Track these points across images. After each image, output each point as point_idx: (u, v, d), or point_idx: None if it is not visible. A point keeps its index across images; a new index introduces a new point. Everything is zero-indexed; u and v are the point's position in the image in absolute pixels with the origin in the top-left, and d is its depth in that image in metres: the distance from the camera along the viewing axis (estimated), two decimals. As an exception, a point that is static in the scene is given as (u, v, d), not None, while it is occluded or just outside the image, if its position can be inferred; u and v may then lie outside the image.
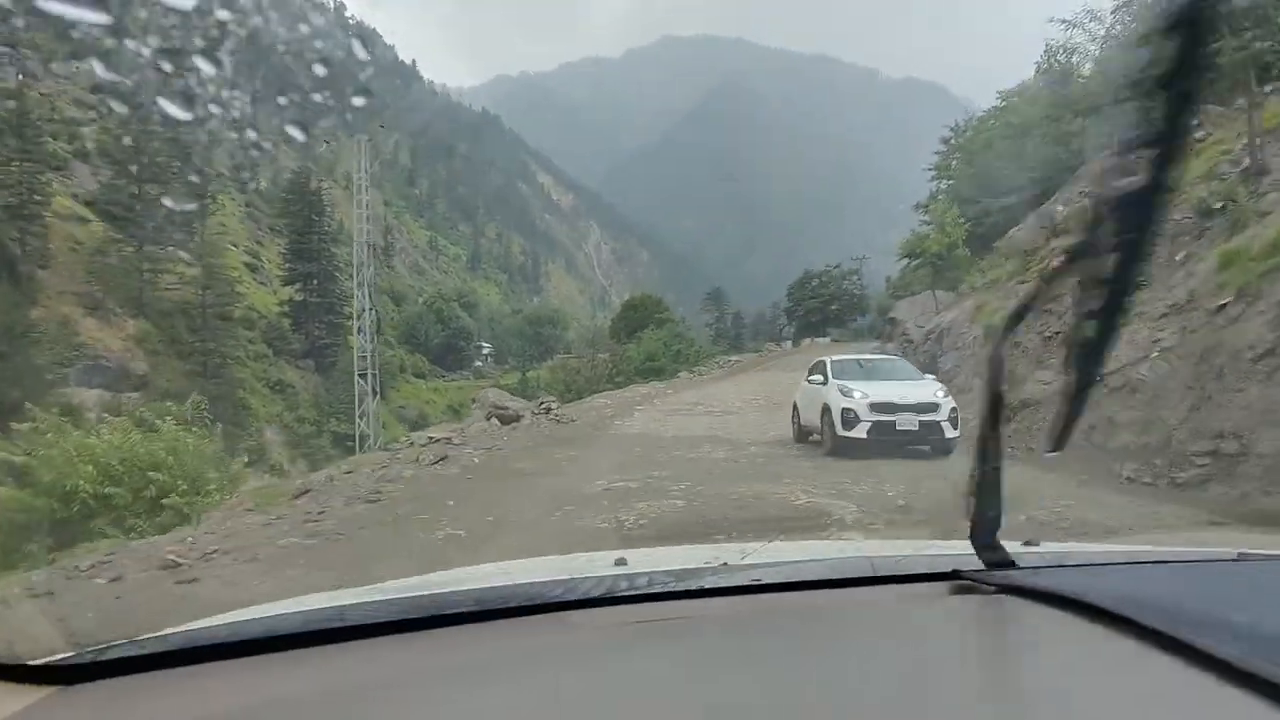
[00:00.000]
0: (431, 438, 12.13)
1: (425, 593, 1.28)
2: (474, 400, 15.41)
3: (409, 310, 74.56)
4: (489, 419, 13.37)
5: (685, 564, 1.49)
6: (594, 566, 1.52)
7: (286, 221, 56.23)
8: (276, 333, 49.65)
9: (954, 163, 28.86)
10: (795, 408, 11.79)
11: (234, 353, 43.97)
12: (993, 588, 1.19)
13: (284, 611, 1.20)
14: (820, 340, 39.53)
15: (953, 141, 31.45)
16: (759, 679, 0.92)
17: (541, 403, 14.75)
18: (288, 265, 54.13)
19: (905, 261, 33.22)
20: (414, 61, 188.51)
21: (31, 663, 0.97)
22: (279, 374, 47.41)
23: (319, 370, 50.57)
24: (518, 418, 13.67)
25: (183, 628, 1.12)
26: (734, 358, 30.51)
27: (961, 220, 16.76)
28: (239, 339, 45.71)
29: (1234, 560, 1.44)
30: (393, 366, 59.65)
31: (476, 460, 10.17)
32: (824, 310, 44.15)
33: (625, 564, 1.46)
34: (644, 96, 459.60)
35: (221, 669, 1.00)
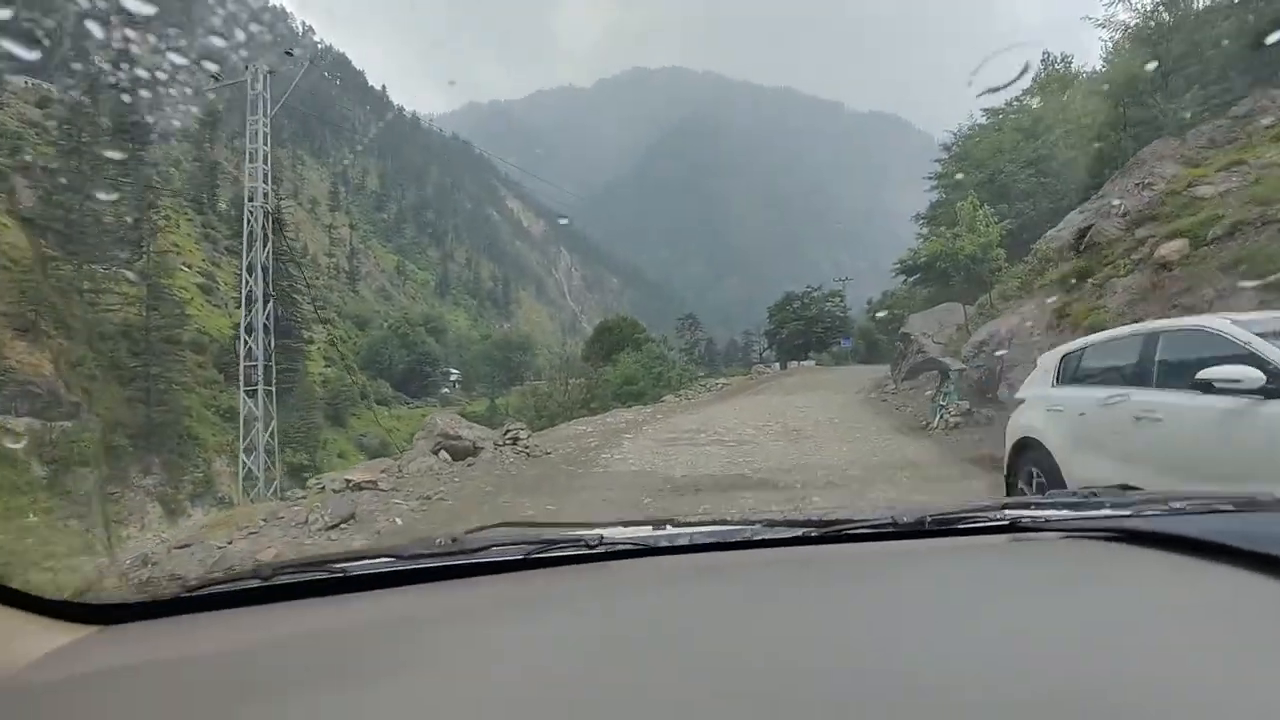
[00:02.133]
0: (349, 481, 8.82)
1: (471, 544, 1.24)
2: (420, 429, 12.74)
3: (373, 335, 71.82)
4: (436, 452, 10.59)
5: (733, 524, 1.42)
6: (644, 526, 1.43)
7: (234, 235, 53.44)
8: (230, 357, 46.74)
9: (957, 171, 27.58)
10: (1036, 448, 5.08)
11: (180, 378, 41.10)
12: (1054, 533, 1.24)
13: (347, 555, 1.19)
14: (806, 363, 38.03)
15: (955, 149, 30.30)
16: (799, 625, 0.91)
17: (507, 431, 11.82)
18: (240, 287, 51.36)
19: (902, 278, 31.89)
20: (384, 87, 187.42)
21: (81, 603, 1.04)
22: (231, 401, 44.46)
23: (274, 397, 47.70)
24: (475, 450, 11.22)
25: (222, 574, 1.14)
26: (721, 380, 28.47)
27: (995, 219, 15.17)
28: (187, 363, 42.87)
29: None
30: (353, 393, 56.92)
31: (400, 520, 7.16)
32: (806, 333, 42.59)
33: (674, 523, 1.41)
34: (615, 126, 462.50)
35: (256, 612, 1.04)
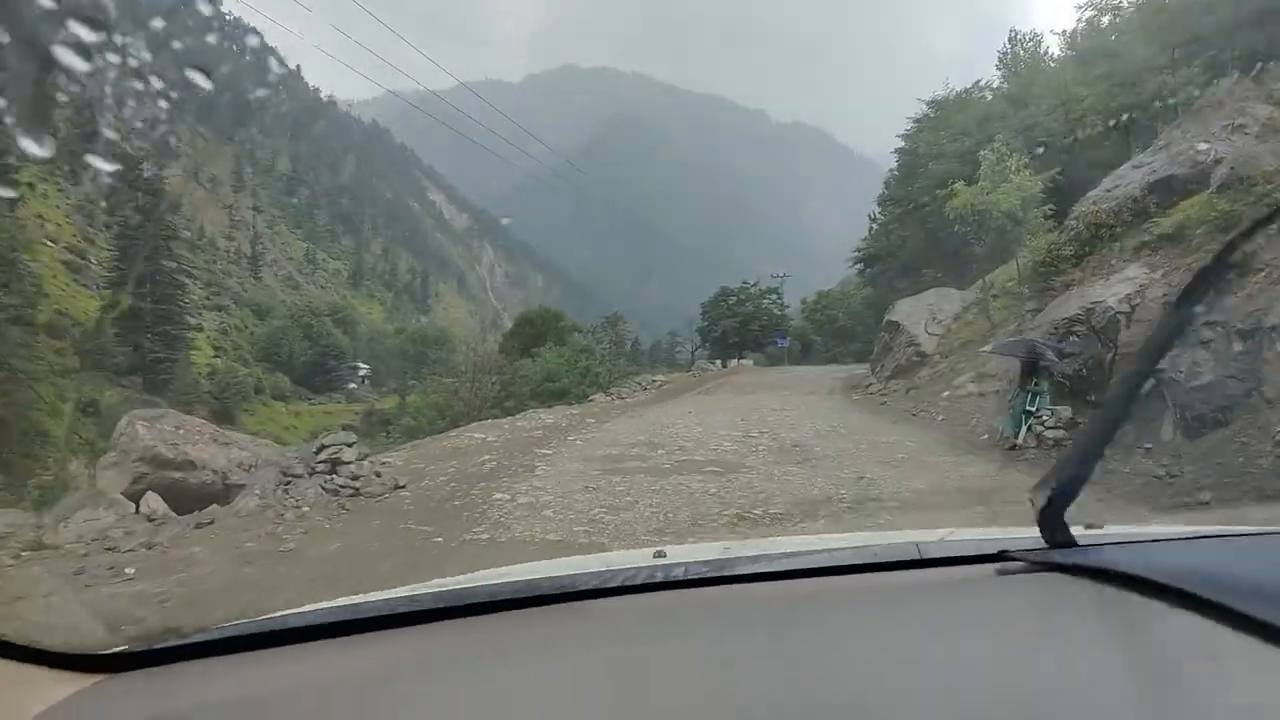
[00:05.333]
0: None
1: (466, 585, 1.28)
2: (113, 443, 8.41)
3: (273, 325, 66.12)
4: (136, 498, 6.58)
5: (725, 555, 1.42)
6: (633, 559, 1.49)
7: (117, 216, 47.65)
8: (94, 344, 41.19)
9: (935, 139, 25.11)
10: None
11: (29, 366, 35.48)
12: (1041, 566, 1.20)
13: (330, 605, 1.22)
14: (745, 362, 35.72)
15: (930, 118, 28.15)
16: (790, 661, 0.93)
17: (321, 448, 7.20)
18: (115, 265, 45.65)
19: (859, 267, 29.79)
20: (298, 67, 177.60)
21: (83, 653, 1.04)
22: (93, 393, 39.03)
23: (148, 389, 42.32)
24: (227, 491, 6.97)
25: (225, 624, 1.14)
26: (659, 378, 25.47)
27: (1027, 168, 12.42)
28: (39, 350, 37.22)
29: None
30: (246, 387, 51.69)
31: None
32: (742, 330, 40.29)
33: (665, 556, 1.42)
34: (543, 123, 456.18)
35: (260, 658, 1.06)
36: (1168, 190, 9.88)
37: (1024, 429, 8.85)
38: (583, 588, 1.21)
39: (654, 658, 0.97)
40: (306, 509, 6.46)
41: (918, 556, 1.31)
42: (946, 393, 11.56)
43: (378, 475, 7.39)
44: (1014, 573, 1.21)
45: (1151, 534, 1.44)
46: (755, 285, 43.37)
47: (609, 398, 19.20)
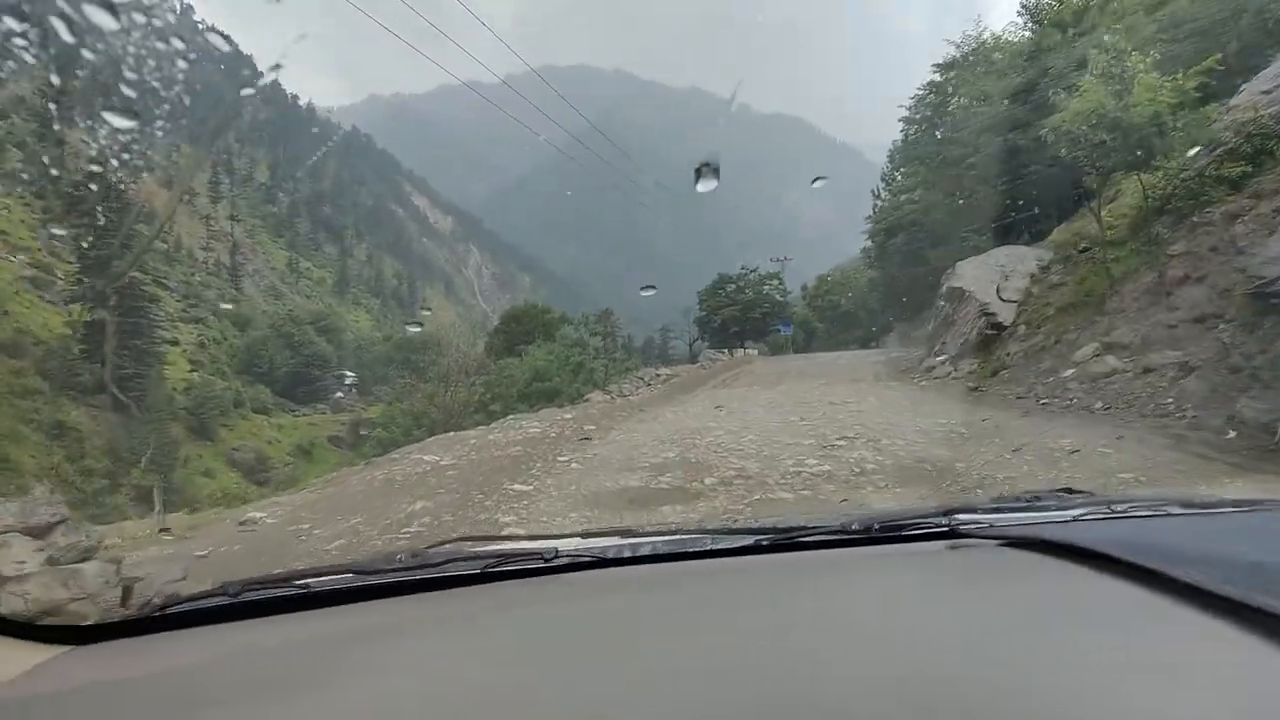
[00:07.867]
0: None
1: (430, 559, 1.26)
2: None
3: (252, 335, 63.70)
4: None
5: (686, 534, 1.43)
6: (604, 537, 1.47)
7: (76, 222, 45.15)
8: (58, 362, 38.87)
9: (961, 87, 22.73)
10: None
11: (-16, 387, 33.33)
12: (991, 541, 1.24)
13: (311, 571, 1.22)
14: (750, 352, 33.86)
15: (962, 60, 25.69)
16: (743, 633, 0.94)
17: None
18: (78, 278, 43.29)
19: (869, 242, 27.63)
20: (275, 75, 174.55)
21: (48, 624, 1.06)
22: (58, 414, 36.79)
23: (117, 409, 40.04)
24: None
25: (197, 596, 1.15)
26: (664, 371, 23.35)
27: (1157, 67, 9.75)
28: (-3, 370, 35.05)
29: (1246, 511, 1.37)
30: (225, 401, 49.34)
31: None
32: (743, 318, 38.30)
33: (631, 534, 1.43)
34: (524, 123, 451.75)
35: (224, 629, 1.07)
36: None
37: None
38: (553, 563, 1.21)
39: (618, 628, 0.98)
40: None
41: (873, 532, 1.33)
42: (1069, 371, 9.07)
43: (121, 586, 2.61)
44: (964, 547, 1.23)
45: (1079, 501, 1.44)
46: (754, 271, 41.40)
47: (609, 396, 17.09)
